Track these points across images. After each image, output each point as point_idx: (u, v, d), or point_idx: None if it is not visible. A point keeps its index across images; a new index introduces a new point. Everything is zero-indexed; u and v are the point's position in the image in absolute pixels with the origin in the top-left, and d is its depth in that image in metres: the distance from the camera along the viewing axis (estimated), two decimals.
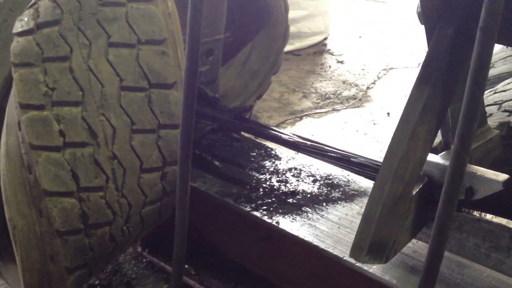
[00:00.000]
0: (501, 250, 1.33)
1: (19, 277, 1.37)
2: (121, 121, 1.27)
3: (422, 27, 1.33)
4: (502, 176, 1.31)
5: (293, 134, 1.83)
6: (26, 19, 1.29)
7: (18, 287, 1.42)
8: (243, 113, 1.88)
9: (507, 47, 2.25)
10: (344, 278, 1.52)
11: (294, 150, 1.81)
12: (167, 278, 1.74)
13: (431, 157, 1.38)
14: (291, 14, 5.88)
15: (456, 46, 1.22)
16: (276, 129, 1.85)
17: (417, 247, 1.48)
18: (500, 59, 2.27)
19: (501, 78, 2.11)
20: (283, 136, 1.81)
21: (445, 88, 1.25)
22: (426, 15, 1.28)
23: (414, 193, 1.28)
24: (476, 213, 1.38)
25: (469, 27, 1.23)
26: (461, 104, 1.41)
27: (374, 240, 1.24)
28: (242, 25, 2.07)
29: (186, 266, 1.74)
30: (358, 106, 3.90)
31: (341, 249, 1.49)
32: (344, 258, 1.47)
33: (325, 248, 1.49)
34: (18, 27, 1.29)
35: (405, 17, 6.02)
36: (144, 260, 1.87)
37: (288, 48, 5.48)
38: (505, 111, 1.76)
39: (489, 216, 1.36)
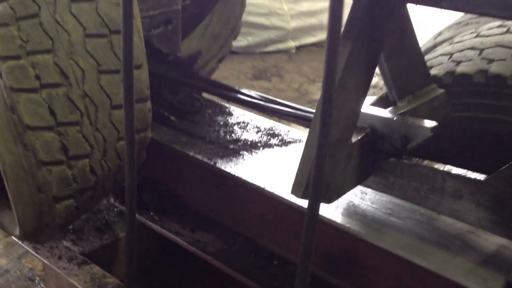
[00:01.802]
0: (436, 192, 1.45)
1: (13, 217, 1.56)
2: (88, 64, 1.46)
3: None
4: (431, 123, 1.42)
5: (256, 94, 2.02)
6: None
7: (14, 228, 1.60)
8: (195, 59, 2.07)
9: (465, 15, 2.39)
10: (272, 208, 1.71)
11: (253, 109, 2.01)
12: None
13: (375, 111, 1.50)
14: (312, 6, 6.06)
15: (372, 7, 1.35)
16: (237, 89, 2.04)
17: (368, 195, 1.64)
18: (446, 27, 2.44)
19: (445, 42, 2.24)
20: (242, 96, 2.00)
21: (369, 43, 1.38)
22: None
23: (354, 140, 1.42)
24: (414, 160, 1.49)
25: None
26: (400, 63, 1.57)
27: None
28: None
29: (151, 213, 1.96)
30: (377, 94, 4.02)
31: (267, 183, 1.68)
32: (265, 189, 1.66)
33: (247, 180, 1.70)
34: None
35: (419, 11, 6.18)
36: (116, 209, 2.08)
37: (311, 40, 5.68)
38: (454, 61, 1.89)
39: (426, 162, 1.47)
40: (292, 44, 6.62)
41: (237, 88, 2.06)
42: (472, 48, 1.79)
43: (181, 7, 2.09)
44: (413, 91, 1.58)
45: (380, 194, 1.61)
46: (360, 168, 1.48)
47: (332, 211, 1.58)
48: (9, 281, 2.63)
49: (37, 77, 1.41)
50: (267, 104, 1.98)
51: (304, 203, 1.50)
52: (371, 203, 1.62)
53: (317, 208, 0.95)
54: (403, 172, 1.49)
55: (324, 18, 6.11)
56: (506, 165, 1.32)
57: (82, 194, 1.52)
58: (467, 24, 2.26)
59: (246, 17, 6.31)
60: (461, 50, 1.81)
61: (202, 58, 2.20)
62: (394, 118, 1.47)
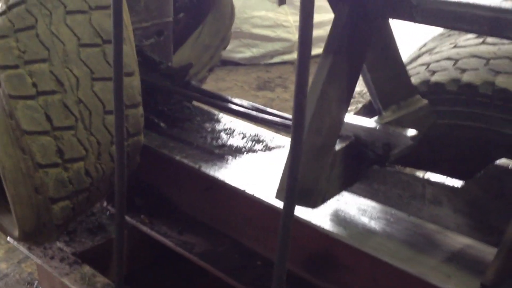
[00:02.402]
0: (418, 198, 1.49)
1: (13, 220, 1.64)
2: (82, 72, 1.55)
3: None
4: (411, 132, 1.47)
5: (248, 103, 2.09)
6: None
7: (14, 230, 1.68)
8: (186, 70, 2.15)
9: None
10: (256, 210, 1.79)
11: (242, 118, 2.09)
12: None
13: (359, 120, 1.53)
14: (318, 17, 6.21)
15: (353, 22, 1.42)
16: (227, 97, 2.12)
17: (349, 200, 1.70)
18: (431, 39, 2.52)
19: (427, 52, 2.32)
20: (231, 105, 2.08)
21: (350, 57, 1.43)
22: None
23: (338, 148, 1.46)
24: (396, 167, 1.54)
25: (363, 5, 1.43)
26: (383, 74, 1.60)
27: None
28: (197, 7, 2.38)
29: (142, 216, 2.04)
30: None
31: (251, 186, 1.76)
32: (246, 191, 1.73)
33: (229, 183, 1.79)
34: None
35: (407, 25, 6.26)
36: (108, 212, 2.18)
37: (316, 51, 5.79)
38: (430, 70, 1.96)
39: (407, 170, 1.52)
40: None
41: (227, 97, 2.13)
42: (448, 58, 1.87)
43: (175, 19, 2.20)
44: (398, 101, 1.64)
45: (355, 195, 1.66)
46: (344, 175, 1.52)
47: (308, 212, 1.62)
48: (8, 284, 2.74)
49: (34, 85, 1.50)
50: (256, 113, 2.04)
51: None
52: (345, 203, 1.68)
53: (292, 210, 1.00)
54: (386, 179, 1.54)
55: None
56: (481, 172, 1.37)
57: (78, 196, 1.60)
58: (449, 35, 2.34)
59: (251, 29, 6.49)
60: (438, 61, 1.89)
61: (194, 67, 2.29)
62: (377, 127, 1.52)
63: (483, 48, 1.82)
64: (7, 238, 1.83)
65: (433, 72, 1.82)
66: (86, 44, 1.56)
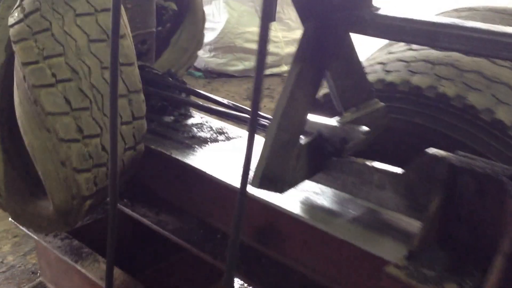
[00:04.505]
0: (367, 184, 1.70)
1: (47, 203, 1.89)
2: (93, 62, 1.83)
3: None
4: (364, 128, 1.71)
5: (229, 102, 2.39)
6: (16, 14, 1.89)
7: (49, 209, 1.93)
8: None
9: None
10: (217, 192, 2.08)
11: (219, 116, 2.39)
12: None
13: (322, 119, 1.76)
14: (298, 34, 6.64)
15: (319, 34, 1.62)
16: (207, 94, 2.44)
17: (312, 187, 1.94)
18: (378, 49, 2.85)
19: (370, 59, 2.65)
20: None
21: (315, 64, 1.65)
22: (298, 11, 1.69)
23: (303, 143, 1.69)
24: (351, 158, 1.77)
25: (329, 19, 1.63)
26: (345, 82, 1.84)
27: (266, 173, 1.62)
28: (176, 14, 2.71)
29: (124, 200, 2.37)
30: None
31: (213, 170, 2.06)
32: (210, 174, 2.04)
33: (198, 167, 2.11)
34: (11, 21, 1.87)
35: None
36: None
37: None
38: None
39: (359, 159, 1.74)
40: (285, 68, 7.17)
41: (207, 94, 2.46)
42: (380, 63, 2.21)
43: (162, 30, 2.53)
44: (357, 104, 1.87)
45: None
46: (308, 166, 1.74)
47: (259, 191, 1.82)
48: (14, 274, 3.09)
49: (53, 75, 1.77)
50: (229, 111, 2.33)
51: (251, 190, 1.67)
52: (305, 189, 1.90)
53: (245, 189, 1.21)
54: (343, 168, 1.76)
55: None
56: (415, 160, 1.55)
57: (98, 169, 1.85)
58: (391, 45, 2.67)
59: (243, 44, 6.89)
60: (372, 65, 2.23)
61: (173, 67, 2.63)
62: (337, 125, 1.75)
63: (408, 54, 2.16)
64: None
65: (367, 74, 2.15)
66: (95, 40, 1.85)
